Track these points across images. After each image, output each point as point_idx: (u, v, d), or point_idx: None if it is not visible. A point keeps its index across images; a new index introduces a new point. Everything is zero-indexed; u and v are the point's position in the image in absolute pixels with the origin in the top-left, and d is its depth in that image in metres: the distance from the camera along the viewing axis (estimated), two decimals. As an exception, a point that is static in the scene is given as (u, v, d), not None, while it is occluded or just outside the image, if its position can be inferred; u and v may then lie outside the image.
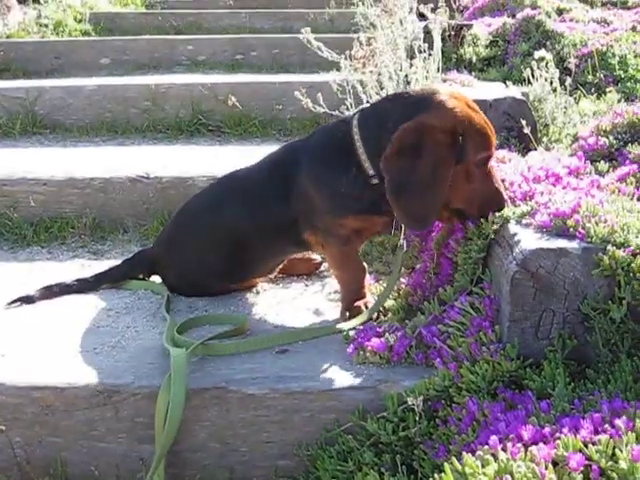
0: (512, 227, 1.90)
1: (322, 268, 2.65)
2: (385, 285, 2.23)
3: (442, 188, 1.94)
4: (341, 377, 1.87)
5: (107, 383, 1.90)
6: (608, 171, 2.37)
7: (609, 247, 1.71)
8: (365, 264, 2.29)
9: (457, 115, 1.95)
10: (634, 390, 1.59)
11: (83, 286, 2.52)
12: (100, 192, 3.12)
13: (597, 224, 1.77)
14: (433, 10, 4.05)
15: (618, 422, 1.42)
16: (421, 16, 4.18)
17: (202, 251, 2.43)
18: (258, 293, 2.48)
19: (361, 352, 1.93)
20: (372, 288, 2.31)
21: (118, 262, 2.61)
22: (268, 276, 2.54)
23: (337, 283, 2.33)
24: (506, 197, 2.01)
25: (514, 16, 4.66)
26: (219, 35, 5.84)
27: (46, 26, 6.44)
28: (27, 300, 2.42)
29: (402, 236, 2.20)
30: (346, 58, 3.54)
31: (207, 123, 4.14)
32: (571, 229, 1.79)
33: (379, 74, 3.43)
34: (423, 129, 1.93)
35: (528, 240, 1.78)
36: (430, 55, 3.52)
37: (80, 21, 6.63)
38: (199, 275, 2.45)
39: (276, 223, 2.28)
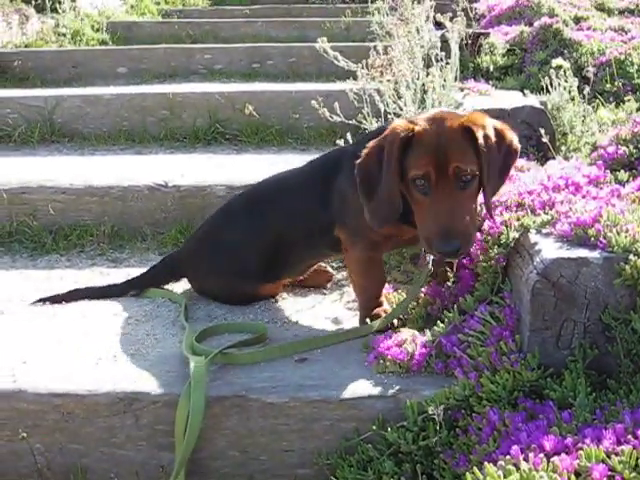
0: (532, 236, 1.89)
1: (339, 277, 2.66)
2: (405, 294, 2.23)
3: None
4: (361, 386, 1.87)
5: (127, 391, 1.91)
6: (628, 180, 2.36)
7: (631, 257, 1.70)
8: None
9: None
10: (656, 401, 1.58)
11: (112, 291, 2.54)
12: (118, 200, 3.13)
13: (618, 233, 1.76)
14: (450, 19, 4.05)
15: (640, 433, 1.42)
16: (437, 25, 4.18)
17: (240, 250, 2.43)
18: (277, 301, 2.48)
19: (381, 361, 1.92)
20: (390, 297, 2.30)
21: (138, 270, 2.62)
22: (298, 277, 2.55)
23: (353, 290, 2.33)
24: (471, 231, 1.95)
25: (531, 24, 4.66)
26: (235, 44, 5.85)
27: (64, 35, 6.48)
28: (53, 300, 2.45)
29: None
30: (363, 67, 3.54)
31: (224, 132, 4.15)
32: (592, 238, 1.79)
33: (396, 83, 3.44)
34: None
35: (549, 249, 1.77)
36: (447, 64, 3.52)
37: (97, 30, 6.67)
38: (234, 274, 2.44)
39: (314, 223, 2.31)
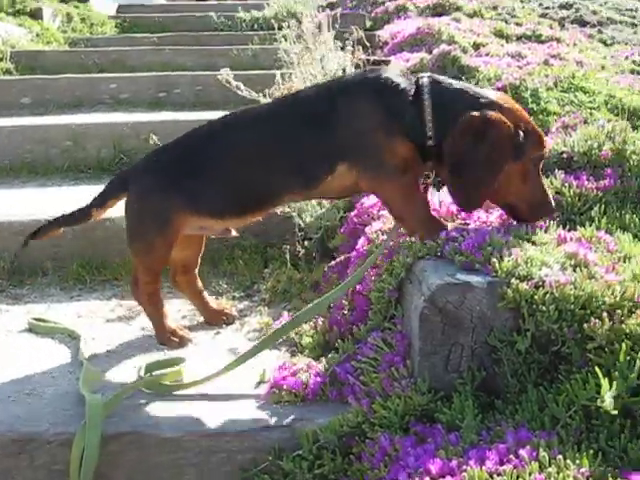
0: (422, 263, 1.94)
1: (241, 307, 2.67)
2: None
3: (496, 177, 2.04)
4: (257, 417, 1.89)
5: (22, 431, 1.88)
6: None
7: (513, 280, 1.76)
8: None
9: (521, 114, 2.11)
10: (539, 419, 1.63)
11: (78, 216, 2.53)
12: (19, 235, 3.05)
13: (502, 258, 1.82)
14: (352, 46, 4.13)
15: (522, 452, 1.46)
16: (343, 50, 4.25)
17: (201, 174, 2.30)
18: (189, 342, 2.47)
19: (276, 391, 1.94)
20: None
21: (40, 307, 2.58)
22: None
23: (406, 226, 2.15)
24: (554, 204, 2.15)
25: (431, 52, 4.76)
26: (142, 73, 5.82)
27: (-35, 65, 6.36)
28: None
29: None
30: (265, 96, 3.58)
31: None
32: (477, 264, 1.84)
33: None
34: (491, 120, 2.02)
35: (435, 275, 1.82)
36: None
37: (1, 60, 6.55)
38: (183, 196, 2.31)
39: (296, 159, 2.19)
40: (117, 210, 3.11)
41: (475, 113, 2.03)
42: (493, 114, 2.02)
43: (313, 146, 2.15)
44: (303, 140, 2.17)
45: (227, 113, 2.36)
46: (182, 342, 2.40)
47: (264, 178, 2.23)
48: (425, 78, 2.13)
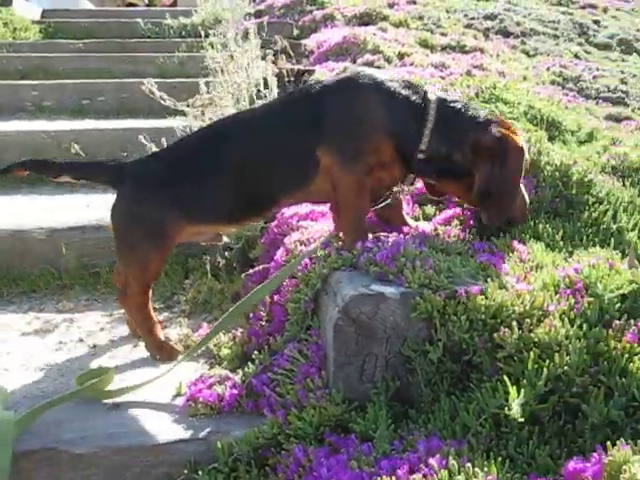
0: (337, 274, 1.95)
1: (160, 319, 2.64)
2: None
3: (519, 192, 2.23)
4: (172, 430, 1.87)
5: None
6: (435, 214, 2.47)
7: (425, 291, 1.79)
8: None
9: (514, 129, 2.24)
10: (451, 428, 1.66)
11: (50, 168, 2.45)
12: None
13: (415, 269, 1.84)
14: (275, 55, 4.13)
15: (432, 461, 1.48)
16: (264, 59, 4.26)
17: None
18: (94, 349, 2.44)
19: (192, 404, 1.93)
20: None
21: None
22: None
23: (342, 216, 2.20)
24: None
25: (355, 61, 4.80)
26: (65, 80, 5.72)
27: None
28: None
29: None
30: (188, 105, 3.56)
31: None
32: (391, 275, 1.86)
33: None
34: (511, 142, 2.16)
35: (349, 286, 1.83)
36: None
37: None
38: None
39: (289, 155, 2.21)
40: (32, 221, 3.08)
41: (495, 134, 2.14)
42: (510, 136, 2.16)
43: (303, 144, 2.17)
44: (296, 140, 2.19)
45: (214, 120, 2.35)
46: (172, 354, 2.32)
47: (262, 183, 2.23)
48: (433, 95, 2.21)
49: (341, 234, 2.15)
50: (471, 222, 2.31)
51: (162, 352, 2.33)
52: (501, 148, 2.13)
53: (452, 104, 2.21)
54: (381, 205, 2.27)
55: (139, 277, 2.30)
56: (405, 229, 2.27)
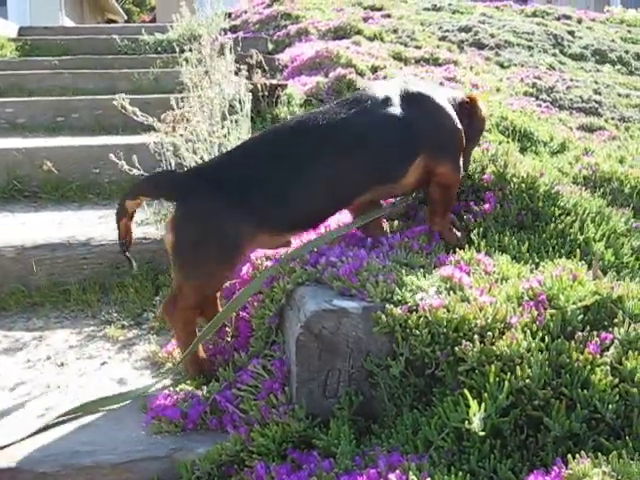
0: (301, 289, 1.95)
1: (130, 336, 2.63)
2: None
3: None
4: (136, 448, 1.86)
5: None
6: (403, 229, 2.47)
7: (387, 305, 1.79)
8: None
9: None
10: (413, 443, 1.65)
11: None
12: None
13: (377, 284, 1.85)
14: (248, 70, 4.13)
15: (391, 476, 1.48)
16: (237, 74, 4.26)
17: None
18: (62, 365, 2.42)
19: (156, 421, 1.92)
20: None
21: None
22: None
23: (440, 205, 2.39)
24: None
25: (328, 75, 4.82)
26: (40, 97, 5.70)
27: None
28: None
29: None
30: (160, 121, 3.55)
31: (23, 189, 4.03)
32: (353, 289, 1.86)
33: (195, 136, 3.46)
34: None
35: (313, 301, 1.83)
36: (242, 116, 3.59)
37: None
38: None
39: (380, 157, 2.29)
40: (2, 239, 3.05)
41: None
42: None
43: (392, 146, 2.27)
44: (382, 142, 2.27)
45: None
46: (210, 373, 2.17)
47: (348, 187, 2.23)
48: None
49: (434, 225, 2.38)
50: (437, 236, 2.31)
51: (199, 373, 2.19)
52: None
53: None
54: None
55: (200, 291, 2.17)
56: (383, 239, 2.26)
